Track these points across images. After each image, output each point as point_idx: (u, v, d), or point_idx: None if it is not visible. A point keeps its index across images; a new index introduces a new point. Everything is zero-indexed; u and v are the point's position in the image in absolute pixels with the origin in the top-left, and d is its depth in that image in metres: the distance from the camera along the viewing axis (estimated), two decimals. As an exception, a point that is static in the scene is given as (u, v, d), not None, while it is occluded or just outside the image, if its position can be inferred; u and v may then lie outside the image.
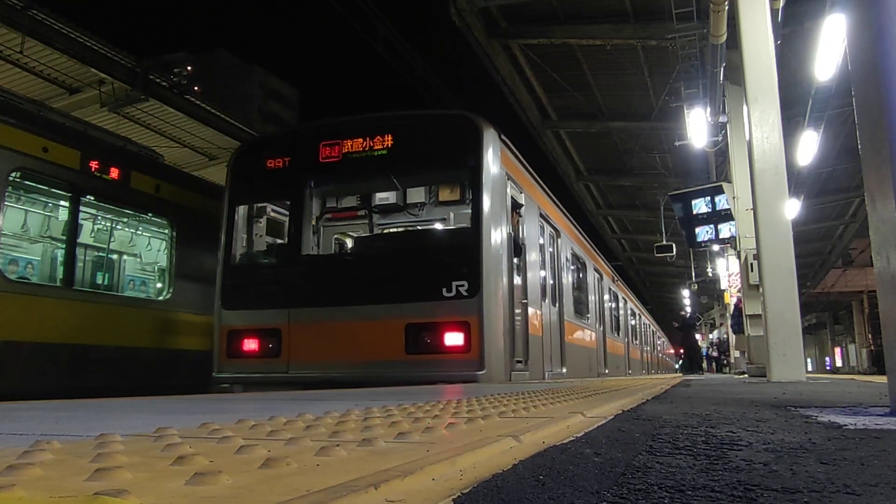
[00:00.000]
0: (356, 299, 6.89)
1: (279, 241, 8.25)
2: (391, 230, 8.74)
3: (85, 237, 8.65)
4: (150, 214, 9.18)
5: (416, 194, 8.35)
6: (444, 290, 6.50)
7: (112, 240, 9.28)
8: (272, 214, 8.38)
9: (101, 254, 9.22)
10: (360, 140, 7.29)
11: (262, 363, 7.03)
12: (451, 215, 8.43)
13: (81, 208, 8.14)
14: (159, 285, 9.59)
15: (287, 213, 7.92)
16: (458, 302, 6.46)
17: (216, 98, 20.79)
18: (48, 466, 1.14)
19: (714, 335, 32.90)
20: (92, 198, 8.23)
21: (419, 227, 8.47)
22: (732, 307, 16.92)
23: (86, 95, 11.91)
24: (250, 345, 7.11)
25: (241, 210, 7.83)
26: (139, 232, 9.68)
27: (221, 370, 7.18)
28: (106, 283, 9.36)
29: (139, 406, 3.08)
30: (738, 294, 16.73)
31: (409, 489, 1.03)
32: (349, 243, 8.84)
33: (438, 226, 8.43)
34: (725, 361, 27.70)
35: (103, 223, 9.12)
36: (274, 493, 0.94)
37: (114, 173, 8.15)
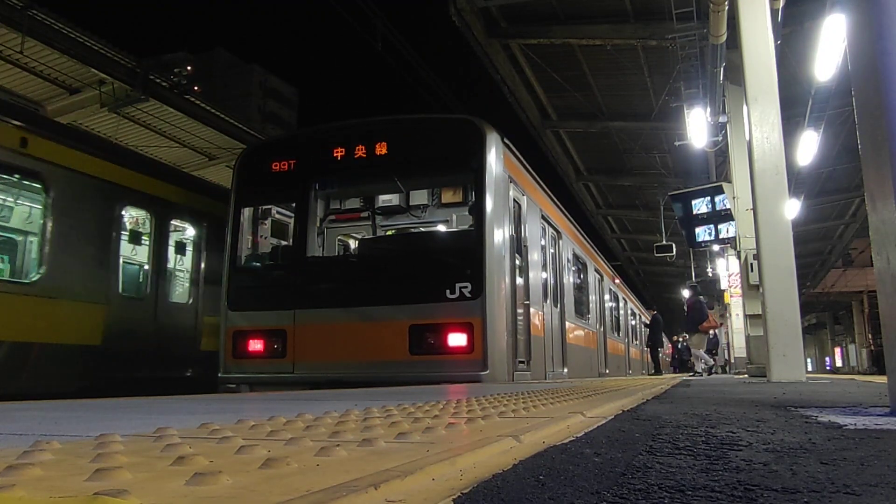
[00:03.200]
0: (360, 301, 6.94)
1: (284, 242, 8.27)
2: (395, 232, 8.77)
3: None
4: (15, 176, 7.26)
5: (420, 196, 8.39)
6: (448, 291, 6.53)
7: None
8: (277, 216, 8.39)
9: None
10: (365, 143, 7.31)
11: (268, 363, 7.06)
12: (454, 217, 8.47)
13: None
14: (23, 264, 7.73)
15: (291, 214, 7.94)
16: (462, 303, 6.49)
17: (216, 98, 20.81)
18: (48, 466, 1.14)
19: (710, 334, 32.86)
20: None
21: (422, 229, 8.51)
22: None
23: (86, 95, 11.93)
24: (256, 345, 7.15)
25: (247, 212, 7.85)
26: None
27: (228, 370, 7.23)
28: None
29: (139, 406, 3.08)
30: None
31: (409, 489, 1.03)
32: (353, 245, 8.86)
33: (442, 228, 8.46)
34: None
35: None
36: (274, 493, 0.94)
37: None
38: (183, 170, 13.37)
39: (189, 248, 9.56)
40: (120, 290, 8.27)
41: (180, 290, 9.58)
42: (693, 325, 16.11)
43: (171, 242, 9.21)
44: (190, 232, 9.58)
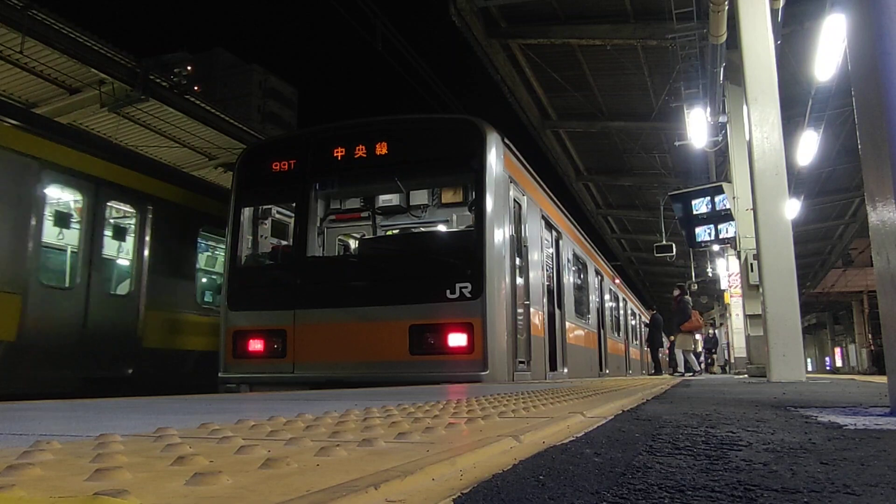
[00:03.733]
0: (361, 301, 6.95)
1: (284, 242, 8.27)
2: (395, 232, 8.78)
3: None
4: None
5: (420, 196, 8.40)
6: (448, 291, 6.54)
7: None
8: (277, 216, 8.39)
9: None
10: (366, 143, 7.32)
11: (268, 363, 7.07)
12: (455, 217, 8.48)
13: None
14: None
15: (291, 214, 7.95)
16: (462, 303, 6.49)
17: (216, 98, 20.81)
18: (48, 466, 1.14)
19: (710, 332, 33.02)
20: None
21: (423, 229, 8.52)
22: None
23: (86, 95, 11.91)
24: (256, 345, 7.15)
25: (247, 212, 7.86)
26: None
27: (227, 370, 7.23)
28: None
29: (139, 406, 3.08)
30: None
31: (409, 489, 1.03)
32: (353, 245, 8.87)
33: (442, 228, 8.47)
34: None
35: None
36: (274, 493, 0.94)
37: None
38: (177, 167, 13.36)
39: (131, 235, 8.63)
40: (40, 278, 7.34)
41: (119, 281, 8.72)
42: (675, 325, 16.12)
43: (109, 227, 8.36)
44: (132, 216, 8.64)
